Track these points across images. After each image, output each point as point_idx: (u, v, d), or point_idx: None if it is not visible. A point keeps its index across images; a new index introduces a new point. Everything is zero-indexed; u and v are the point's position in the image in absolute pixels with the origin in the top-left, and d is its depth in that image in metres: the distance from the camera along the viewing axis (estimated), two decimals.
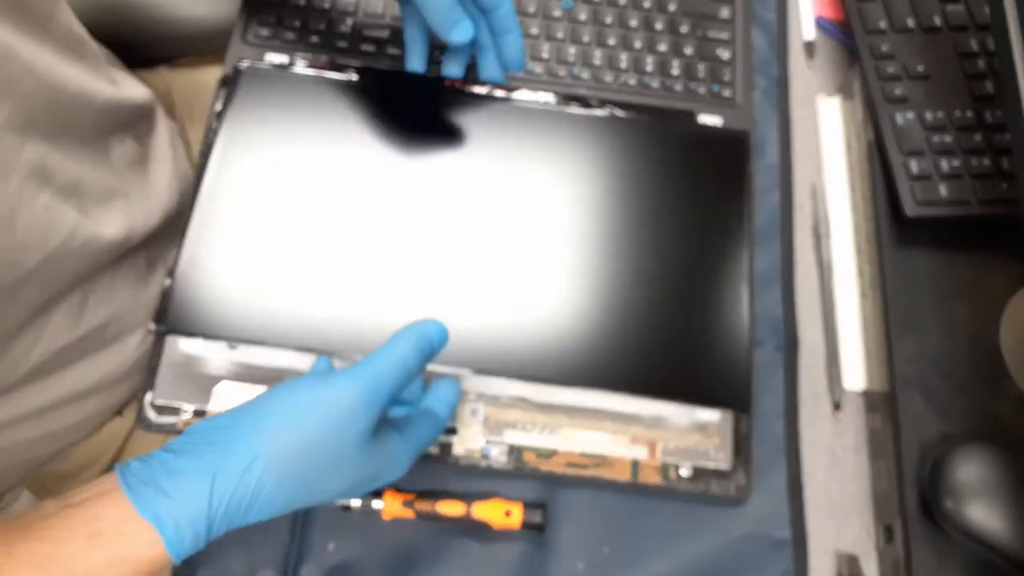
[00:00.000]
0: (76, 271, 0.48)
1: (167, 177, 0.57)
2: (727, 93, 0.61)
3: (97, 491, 0.36)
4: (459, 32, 0.50)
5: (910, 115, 0.57)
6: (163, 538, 0.35)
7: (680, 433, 0.52)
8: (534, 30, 0.61)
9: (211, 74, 0.61)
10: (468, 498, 0.51)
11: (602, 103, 0.57)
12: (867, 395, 0.56)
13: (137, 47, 0.61)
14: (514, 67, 0.54)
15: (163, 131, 0.59)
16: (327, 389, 0.39)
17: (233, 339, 0.50)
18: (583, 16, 0.62)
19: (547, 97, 0.57)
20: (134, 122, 0.55)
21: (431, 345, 0.43)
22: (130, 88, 0.55)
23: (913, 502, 0.51)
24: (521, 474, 0.52)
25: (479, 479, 0.52)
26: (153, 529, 0.35)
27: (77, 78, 0.47)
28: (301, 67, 0.56)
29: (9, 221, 0.41)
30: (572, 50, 0.61)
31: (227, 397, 0.52)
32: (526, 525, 0.50)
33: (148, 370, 0.52)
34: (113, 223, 0.49)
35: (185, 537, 0.35)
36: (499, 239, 0.52)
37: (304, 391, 0.39)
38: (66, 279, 0.47)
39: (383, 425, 0.42)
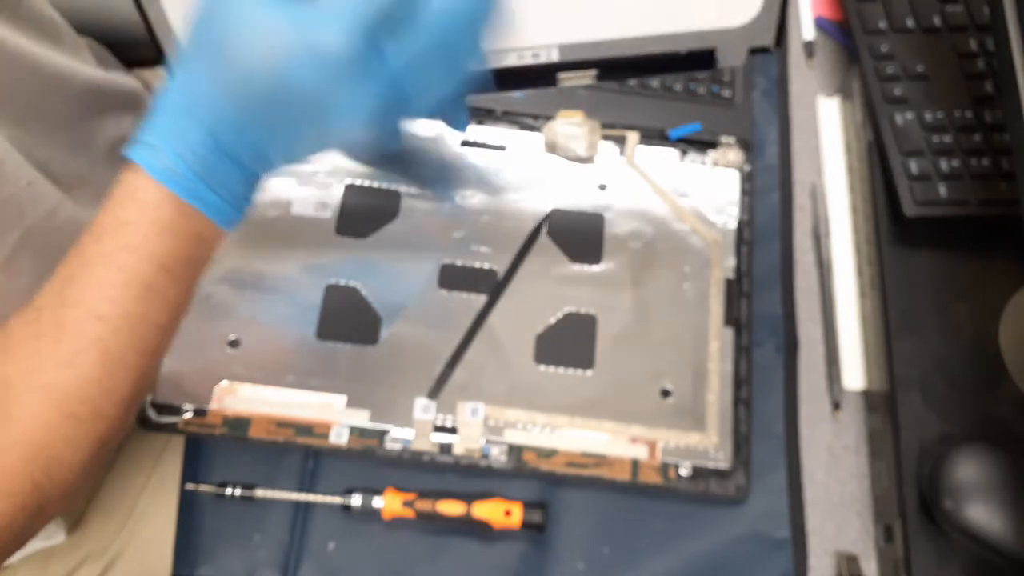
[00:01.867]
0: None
1: None
2: (727, 93, 0.61)
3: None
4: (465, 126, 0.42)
5: (909, 115, 0.57)
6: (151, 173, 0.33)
7: (680, 433, 0.52)
8: None
9: None
10: (468, 498, 0.51)
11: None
12: (867, 395, 0.56)
13: (135, 46, 0.61)
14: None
15: None
16: None
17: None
18: None
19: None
20: (123, 110, 0.54)
21: None
22: (117, 76, 0.54)
23: (913, 502, 0.51)
24: (521, 474, 0.52)
25: (479, 479, 0.52)
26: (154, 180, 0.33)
27: (53, 60, 0.46)
28: None
29: None
30: None
31: (228, 396, 0.52)
32: (526, 525, 0.50)
33: None
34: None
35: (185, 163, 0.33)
36: None
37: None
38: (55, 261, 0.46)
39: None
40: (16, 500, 0.34)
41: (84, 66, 0.50)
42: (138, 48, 0.60)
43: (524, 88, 0.46)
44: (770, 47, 0.47)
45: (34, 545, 0.48)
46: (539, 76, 0.46)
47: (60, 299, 0.34)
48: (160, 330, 0.36)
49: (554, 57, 0.45)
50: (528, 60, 0.45)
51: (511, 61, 0.44)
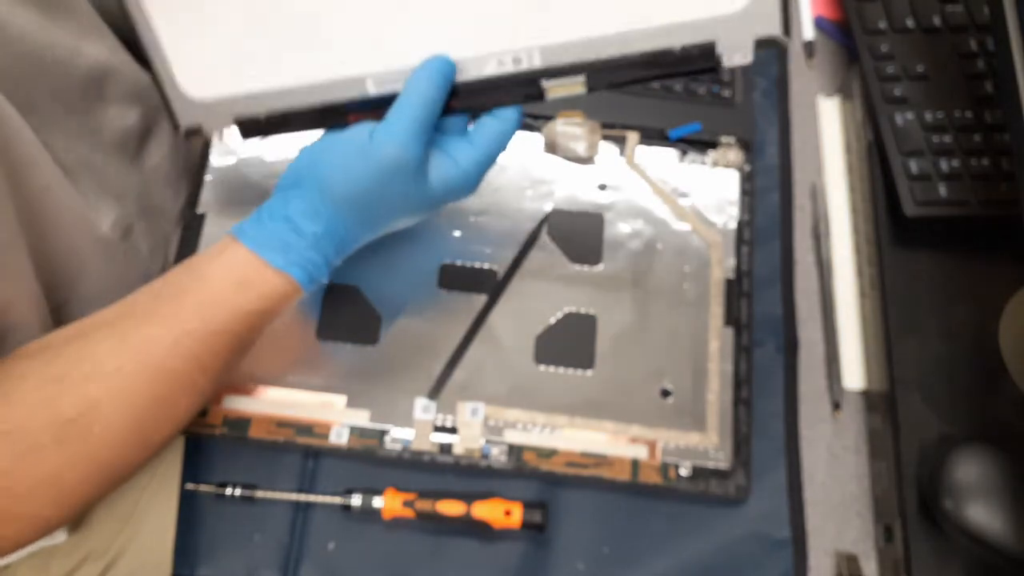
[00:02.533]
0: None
1: (164, 166, 0.56)
2: (727, 93, 0.61)
3: (219, 253, 0.43)
4: None
5: (909, 115, 0.57)
6: (296, 279, 0.43)
7: (680, 433, 0.52)
8: None
9: None
10: (468, 498, 0.51)
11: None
12: (867, 395, 0.56)
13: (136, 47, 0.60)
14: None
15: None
16: (372, 145, 0.42)
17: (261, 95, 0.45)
18: None
19: None
20: (130, 101, 0.54)
21: (445, 76, 0.43)
22: (126, 62, 0.54)
23: (913, 502, 0.51)
24: (521, 474, 0.52)
25: (479, 479, 0.52)
26: (283, 272, 0.43)
27: (56, 39, 0.46)
28: None
29: None
30: None
31: (228, 396, 0.52)
32: (526, 525, 0.50)
33: None
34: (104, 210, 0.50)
35: (310, 273, 0.43)
36: None
37: (353, 150, 0.43)
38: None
39: (437, 154, 0.44)
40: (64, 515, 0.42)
41: (92, 46, 0.49)
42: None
43: (508, 104, 0.44)
44: (778, 37, 0.41)
45: (36, 544, 0.48)
46: (523, 86, 0.43)
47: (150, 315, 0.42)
48: (219, 378, 0.44)
49: (536, 62, 0.43)
50: (509, 66, 0.43)
51: (491, 68, 0.43)
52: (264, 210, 0.44)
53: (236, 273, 0.43)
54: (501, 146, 0.45)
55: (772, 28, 0.41)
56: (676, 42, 0.42)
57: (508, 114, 0.44)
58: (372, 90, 0.44)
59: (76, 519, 0.48)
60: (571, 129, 0.58)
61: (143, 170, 0.55)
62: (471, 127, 0.45)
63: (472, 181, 0.45)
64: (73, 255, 0.47)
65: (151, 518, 0.50)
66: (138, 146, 0.55)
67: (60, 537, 0.48)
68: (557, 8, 0.42)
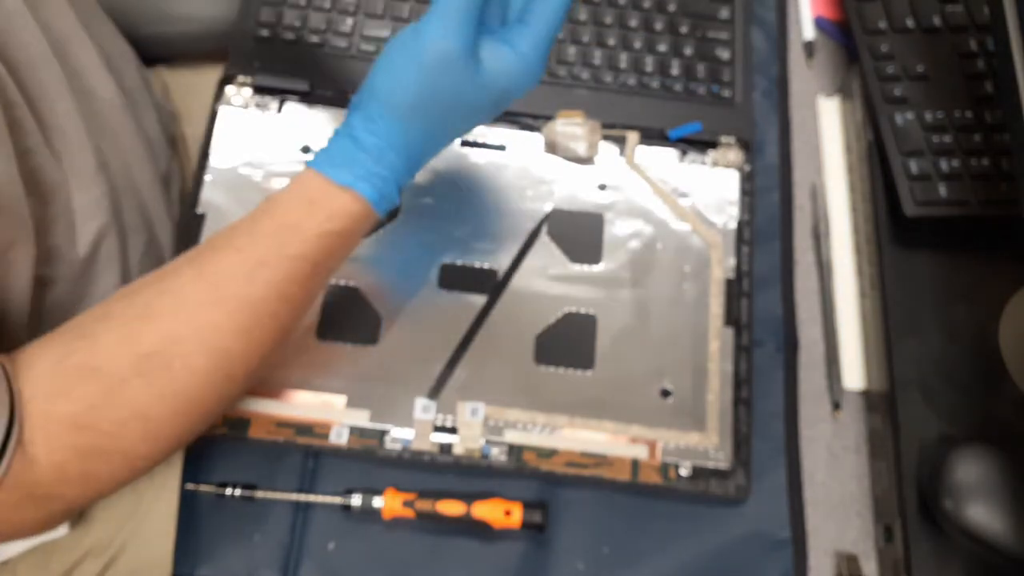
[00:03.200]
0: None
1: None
2: (727, 93, 0.61)
3: (293, 181, 0.43)
4: None
5: (909, 115, 0.57)
6: (364, 195, 0.42)
7: (680, 432, 0.52)
8: None
9: (210, 75, 0.61)
10: (468, 498, 0.51)
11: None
12: (867, 395, 0.56)
13: (134, 46, 0.60)
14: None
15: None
16: (416, 42, 0.41)
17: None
18: (583, 16, 0.62)
19: None
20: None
21: None
22: None
23: (913, 502, 0.51)
24: (521, 474, 0.52)
25: (479, 479, 0.52)
26: (349, 189, 0.42)
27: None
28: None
29: None
30: (572, 50, 0.61)
31: None
32: (526, 525, 0.50)
33: None
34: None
35: (379, 186, 0.42)
36: None
37: (400, 51, 0.42)
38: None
39: (489, 41, 0.42)
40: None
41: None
42: (137, 48, 0.60)
43: None
44: None
45: (37, 539, 0.48)
46: None
47: (233, 245, 0.42)
48: (301, 308, 0.44)
49: None
50: None
51: None
52: (334, 133, 0.43)
53: (305, 195, 0.42)
54: (558, 22, 0.42)
55: None
56: None
57: None
58: None
59: (169, 456, 0.46)
60: (571, 129, 0.58)
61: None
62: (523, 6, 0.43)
63: (533, 66, 0.42)
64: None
65: (152, 516, 0.50)
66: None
67: (62, 531, 0.48)
68: None
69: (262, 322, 0.42)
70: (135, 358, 0.39)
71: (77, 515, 0.49)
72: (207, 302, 0.41)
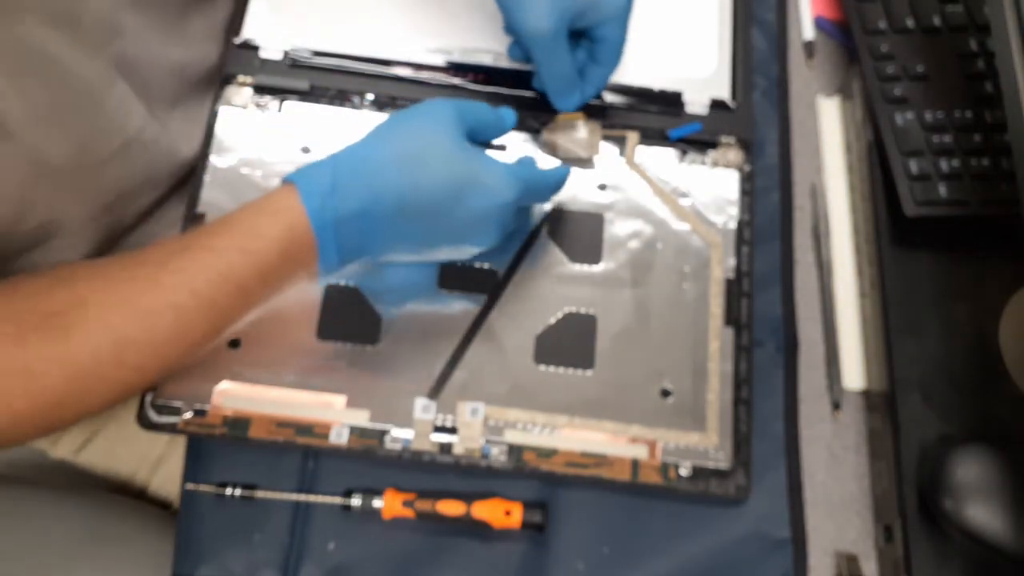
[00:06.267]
0: (149, 172, 0.53)
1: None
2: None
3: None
4: (569, 103, 0.56)
5: (909, 115, 0.57)
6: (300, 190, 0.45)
7: (680, 433, 0.52)
8: None
9: None
10: (468, 498, 0.51)
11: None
12: (867, 395, 0.56)
13: None
14: (594, 95, 0.58)
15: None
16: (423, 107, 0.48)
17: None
18: None
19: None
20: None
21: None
22: None
23: (913, 502, 0.51)
24: (521, 474, 0.52)
25: (479, 479, 0.52)
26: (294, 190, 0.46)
27: None
28: None
29: (98, 98, 0.47)
30: None
31: (228, 396, 0.52)
32: (526, 525, 0.50)
33: None
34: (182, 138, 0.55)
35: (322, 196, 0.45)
36: None
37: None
38: (138, 177, 0.53)
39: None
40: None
41: None
42: None
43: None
44: (728, 103, 0.60)
45: None
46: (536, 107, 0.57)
47: (165, 264, 0.44)
48: (223, 327, 0.47)
49: None
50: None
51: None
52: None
53: (253, 205, 0.47)
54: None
55: (723, 93, 0.60)
56: (656, 86, 0.60)
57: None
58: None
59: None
60: (571, 129, 0.58)
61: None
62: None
63: (508, 185, 0.48)
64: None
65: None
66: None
67: None
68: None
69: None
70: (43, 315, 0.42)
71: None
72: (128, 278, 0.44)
